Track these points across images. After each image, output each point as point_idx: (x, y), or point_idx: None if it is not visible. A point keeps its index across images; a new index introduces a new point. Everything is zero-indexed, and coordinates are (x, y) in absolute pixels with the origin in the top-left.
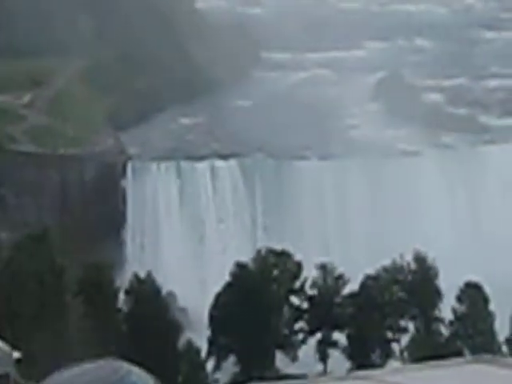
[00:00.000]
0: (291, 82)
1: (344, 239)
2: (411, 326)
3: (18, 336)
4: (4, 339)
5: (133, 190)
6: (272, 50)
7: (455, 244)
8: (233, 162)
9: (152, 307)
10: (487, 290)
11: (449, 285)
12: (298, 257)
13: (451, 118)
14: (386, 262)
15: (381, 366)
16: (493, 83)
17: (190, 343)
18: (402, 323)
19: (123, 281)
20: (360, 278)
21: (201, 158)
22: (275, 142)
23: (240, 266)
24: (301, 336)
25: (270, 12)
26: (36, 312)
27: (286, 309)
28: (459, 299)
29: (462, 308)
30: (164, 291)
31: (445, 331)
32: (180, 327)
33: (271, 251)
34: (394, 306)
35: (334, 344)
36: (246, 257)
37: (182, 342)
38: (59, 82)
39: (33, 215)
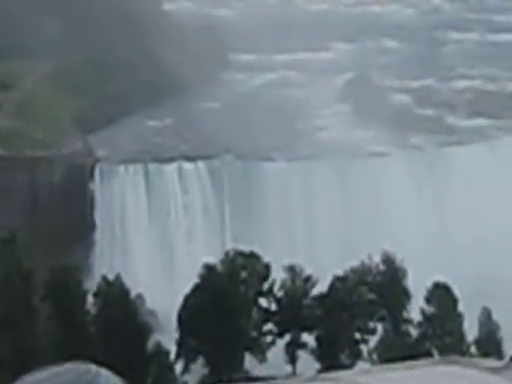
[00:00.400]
0: (259, 84)
1: (312, 241)
2: (380, 327)
3: None
4: None
5: (101, 192)
6: (239, 51)
7: (423, 245)
8: (201, 164)
9: (120, 310)
10: (455, 290)
11: (417, 286)
12: (266, 259)
13: (419, 119)
14: (355, 263)
15: (350, 367)
16: (460, 84)
17: (158, 345)
18: (371, 324)
19: (92, 283)
20: (328, 279)
21: (169, 160)
22: (243, 143)
23: (208, 268)
24: (269, 338)
25: (237, 14)
26: (3, 315)
27: (254, 311)
28: (428, 300)
29: (430, 309)
30: (133, 294)
31: (413, 332)
32: (149, 329)
33: (239, 253)
34: (362, 307)
35: (303, 345)
36: (215, 259)
37: (150, 345)
38: (27, 85)
39: (1, 218)
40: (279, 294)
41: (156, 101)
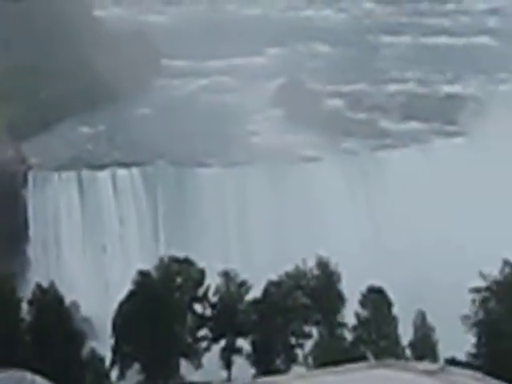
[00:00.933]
0: (192, 90)
1: (247, 246)
2: (315, 331)
3: None
4: None
5: (34, 199)
6: (172, 57)
7: (357, 249)
8: (134, 171)
9: (55, 317)
10: (390, 294)
11: (352, 290)
12: (200, 264)
13: (351, 123)
14: (289, 267)
15: (285, 371)
16: (393, 88)
17: (93, 352)
18: (306, 328)
19: (26, 291)
20: (263, 284)
21: (102, 167)
22: (177, 149)
23: (143, 274)
24: (205, 343)
25: (169, 20)
26: None
27: (189, 316)
28: (362, 304)
29: (365, 313)
30: (67, 301)
31: (348, 336)
32: (84, 336)
33: (174, 259)
34: (297, 311)
35: (238, 351)
36: (149, 265)
37: (85, 351)
38: None
39: None
40: (214, 299)
41: (89, 107)
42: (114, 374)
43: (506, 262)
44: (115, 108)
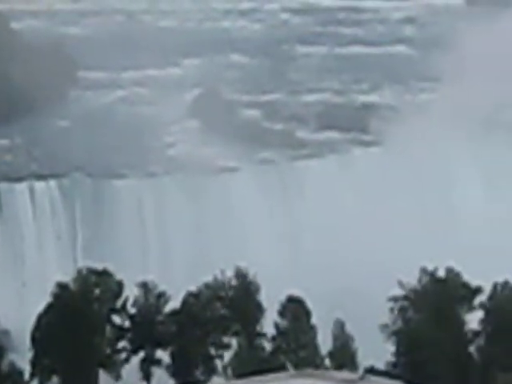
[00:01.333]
0: (108, 101)
1: (165, 257)
2: (234, 341)
3: None
4: None
5: None
6: (89, 68)
7: (276, 259)
8: (52, 183)
9: None
10: (308, 303)
11: (271, 300)
12: (119, 276)
13: (269, 133)
14: (208, 278)
15: (205, 382)
16: (309, 98)
17: (12, 365)
18: (225, 339)
19: None
20: (181, 295)
21: (19, 179)
22: (94, 161)
23: (61, 287)
24: (124, 355)
25: (85, 31)
26: None
27: (108, 328)
28: (281, 314)
29: (284, 322)
30: None
31: (268, 346)
32: (2, 349)
33: (92, 271)
34: (216, 322)
35: (157, 362)
36: (67, 277)
37: (4, 364)
38: None
39: None
40: (132, 310)
41: (5, 119)
42: None
43: (423, 271)
44: (32, 120)
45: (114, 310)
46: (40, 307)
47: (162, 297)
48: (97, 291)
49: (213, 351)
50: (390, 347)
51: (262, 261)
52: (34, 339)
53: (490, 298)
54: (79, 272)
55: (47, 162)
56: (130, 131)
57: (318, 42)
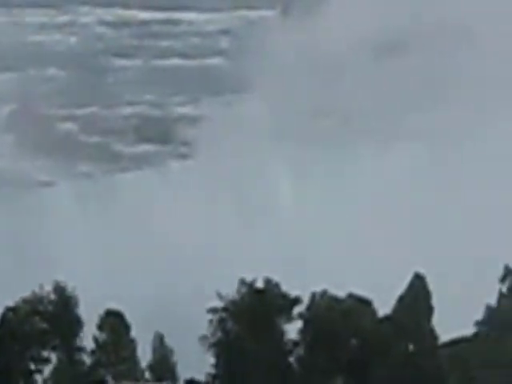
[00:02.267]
0: None
1: None
2: (53, 356)
3: None
4: None
5: None
6: None
7: (94, 272)
8: None
9: None
10: (128, 317)
11: (90, 313)
12: None
13: (85, 147)
14: (26, 293)
15: None
16: (126, 110)
17: None
18: (44, 353)
19: None
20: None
21: None
22: None
23: None
24: None
25: None
26: None
27: None
28: (100, 327)
29: (102, 336)
30: None
31: (87, 360)
32: None
33: None
34: (35, 336)
35: None
36: None
37: None
38: None
39: None
40: None
41: None
42: None
43: (242, 282)
44: None
45: None
46: None
47: None
48: None
49: (32, 366)
50: (210, 359)
51: (81, 274)
52: None
53: (309, 307)
54: None
55: None
56: None
57: (135, 54)
